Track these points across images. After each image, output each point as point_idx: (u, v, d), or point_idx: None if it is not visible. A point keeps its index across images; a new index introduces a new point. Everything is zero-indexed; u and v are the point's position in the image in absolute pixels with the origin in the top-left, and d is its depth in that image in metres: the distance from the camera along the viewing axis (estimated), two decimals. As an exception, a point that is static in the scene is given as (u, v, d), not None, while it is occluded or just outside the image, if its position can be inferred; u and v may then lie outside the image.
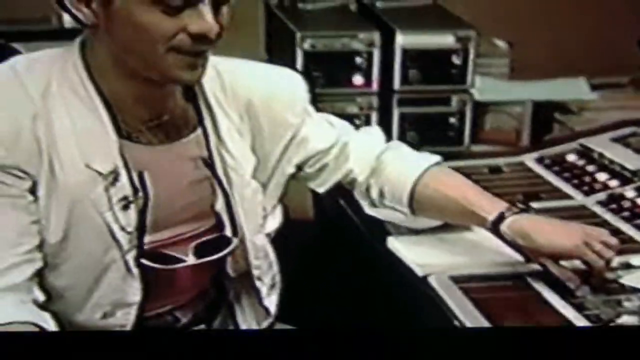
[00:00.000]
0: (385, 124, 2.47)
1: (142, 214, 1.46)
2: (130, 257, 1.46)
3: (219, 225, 1.55)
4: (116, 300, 1.48)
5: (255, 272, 1.60)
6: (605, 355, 1.19)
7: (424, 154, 1.77)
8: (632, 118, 2.34)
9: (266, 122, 1.57)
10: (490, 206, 1.66)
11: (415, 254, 1.73)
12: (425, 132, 2.61)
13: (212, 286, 1.63)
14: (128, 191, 1.44)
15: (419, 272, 1.68)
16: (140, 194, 1.45)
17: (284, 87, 1.61)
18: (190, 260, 1.52)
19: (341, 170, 1.71)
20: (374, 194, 1.73)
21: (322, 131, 1.68)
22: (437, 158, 1.75)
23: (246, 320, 1.65)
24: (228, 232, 1.55)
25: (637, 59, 2.67)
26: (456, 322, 1.53)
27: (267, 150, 1.59)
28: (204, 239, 1.54)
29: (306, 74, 2.44)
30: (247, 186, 1.55)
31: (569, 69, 2.79)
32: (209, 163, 1.52)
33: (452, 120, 2.63)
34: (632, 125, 2.28)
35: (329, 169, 1.70)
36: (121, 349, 1.20)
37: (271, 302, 1.65)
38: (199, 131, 1.51)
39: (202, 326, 1.62)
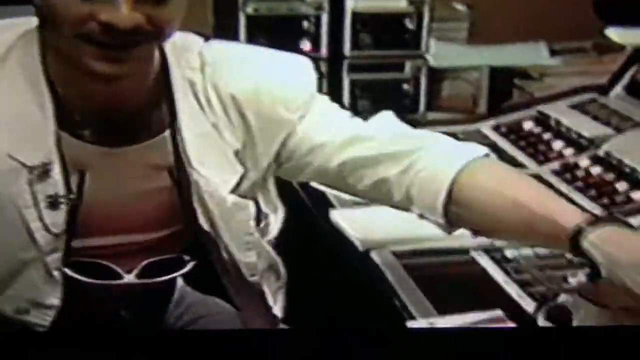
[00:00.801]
0: (335, 92, 2.39)
1: (72, 216, 1.32)
2: (52, 260, 1.33)
3: (178, 237, 1.41)
4: (32, 299, 1.36)
5: (256, 287, 1.46)
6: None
7: (464, 143, 1.39)
8: (592, 84, 2.31)
9: (253, 118, 1.36)
10: (570, 213, 1.25)
11: (357, 227, 1.68)
12: (377, 100, 2.52)
13: (168, 286, 1.52)
14: (60, 189, 1.30)
15: (360, 247, 1.63)
16: (73, 195, 1.32)
17: (276, 77, 1.38)
18: (128, 279, 1.38)
19: (337, 159, 1.40)
20: (397, 195, 1.38)
21: (321, 126, 1.40)
22: (484, 149, 1.36)
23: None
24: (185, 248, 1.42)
25: (599, 22, 2.59)
26: (397, 302, 1.47)
27: (259, 151, 1.38)
28: (156, 258, 1.40)
29: (250, 41, 2.37)
30: (222, 203, 1.37)
31: (531, 33, 2.71)
32: (171, 172, 1.36)
33: (406, 87, 2.56)
34: (591, 91, 2.27)
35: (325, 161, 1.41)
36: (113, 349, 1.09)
37: (278, 306, 1.51)
38: (167, 134, 1.34)
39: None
